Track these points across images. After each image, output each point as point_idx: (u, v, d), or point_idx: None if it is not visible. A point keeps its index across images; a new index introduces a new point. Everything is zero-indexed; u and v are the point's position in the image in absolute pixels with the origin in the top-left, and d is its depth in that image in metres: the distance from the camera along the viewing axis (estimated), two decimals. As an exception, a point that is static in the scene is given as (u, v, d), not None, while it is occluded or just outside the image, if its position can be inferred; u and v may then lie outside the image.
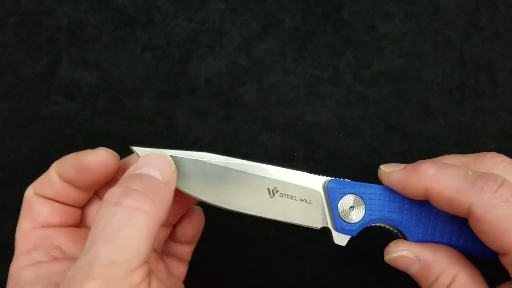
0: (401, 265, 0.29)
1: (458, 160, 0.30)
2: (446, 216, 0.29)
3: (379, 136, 0.39)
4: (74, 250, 0.29)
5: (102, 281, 0.22)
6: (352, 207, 0.29)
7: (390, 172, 0.29)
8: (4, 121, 0.40)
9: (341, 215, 0.29)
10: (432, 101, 0.39)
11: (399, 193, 0.29)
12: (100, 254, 0.23)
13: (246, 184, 0.29)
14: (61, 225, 0.30)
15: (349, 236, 0.30)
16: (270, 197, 0.29)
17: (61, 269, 0.27)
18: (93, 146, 0.41)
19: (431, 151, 0.38)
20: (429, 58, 0.40)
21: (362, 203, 0.29)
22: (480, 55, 0.40)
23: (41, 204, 0.30)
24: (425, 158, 0.30)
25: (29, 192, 0.30)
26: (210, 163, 0.29)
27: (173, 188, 0.27)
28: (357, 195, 0.29)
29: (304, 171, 0.30)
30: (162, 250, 0.33)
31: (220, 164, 0.29)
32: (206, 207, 0.31)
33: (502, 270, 0.27)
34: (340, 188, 0.29)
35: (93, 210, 0.32)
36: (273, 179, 0.29)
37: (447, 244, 0.29)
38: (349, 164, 0.39)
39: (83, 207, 0.32)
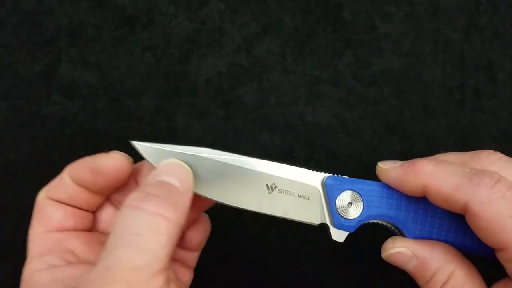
0: (398, 261, 0.29)
1: (455, 158, 0.31)
2: (443, 213, 0.29)
3: (379, 136, 0.39)
4: (88, 254, 0.29)
5: (122, 286, 0.23)
6: (350, 203, 0.30)
7: (388, 169, 0.30)
8: (4, 121, 0.40)
9: (339, 211, 0.30)
10: (432, 101, 0.39)
11: (396, 190, 0.30)
12: (121, 259, 0.23)
13: (245, 179, 0.29)
14: (74, 229, 0.30)
15: (347, 233, 0.30)
16: (269, 193, 0.29)
17: (76, 273, 0.27)
18: (93, 146, 0.41)
19: (431, 151, 0.38)
20: (429, 58, 0.40)
21: (360, 200, 0.30)
22: (480, 55, 0.40)
23: (54, 208, 0.30)
24: (425, 158, 0.30)
25: (42, 195, 0.30)
26: (209, 159, 0.29)
27: (191, 196, 0.27)
28: (355, 191, 0.30)
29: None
30: None
31: (219, 159, 0.29)
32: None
33: (499, 267, 0.27)
34: (338, 184, 0.30)
35: (105, 214, 0.32)
36: (271, 175, 0.29)
37: (444, 241, 0.30)
38: (349, 164, 0.39)
39: (95, 212, 0.32)
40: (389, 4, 0.41)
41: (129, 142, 0.29)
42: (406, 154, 0.39)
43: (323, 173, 0.30)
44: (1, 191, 0.40)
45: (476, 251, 0.30)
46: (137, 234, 0.24)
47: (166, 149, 0.29)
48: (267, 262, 0.39)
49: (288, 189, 0.30)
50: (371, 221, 0.30)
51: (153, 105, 0.40)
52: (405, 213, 0.30)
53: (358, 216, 0.30)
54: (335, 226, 0.30)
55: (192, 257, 0.33)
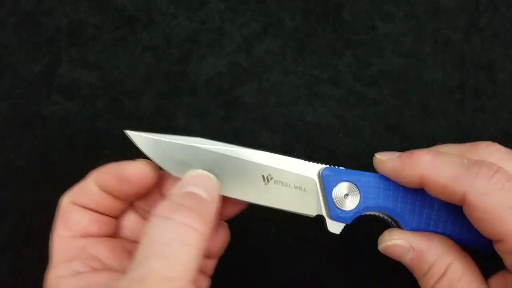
0: (395, 253, 0.29)
1: (453, 149, 0.31)
2: (441, 204, 0.29)
3: (379, 136, 0.39)
4: (112, 261, 0.30)
5: None
6: (346, 194, 0.30)
7: (385, 160, 0.29)
8: (4, 121, 0.40)
9: (335, 202, 0.29)
10: (432, 101, 0.39)
11: (394, 182, 0.30)
12: (152, 269, 0.23)
13: (240, 170, 0.29)
14: (98, 235, 0.31)
15: (344, 224, 0.30)
16: (265, 184, 0.29)
17: (101, 281, 0.27)
18: (93, 146, 0.41)
19: (431, 151, 0.38)
20: (429, 58, 0.40)
21: (357, 191, 0.30)
22: (480, 55, 0.40)
23: (79, 213, 0.30)
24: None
25: (66, 200, 0.30)
26: (205, 149, 0.29)
27: (217, 207, 0.28)
28: (352, 183, 0.30)
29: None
30: None
31: (215, 150, 0.29)
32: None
33: (497, 260, 0.27)
34: (335, 175, 0.30)
35: (127, 221, 0.32)
36: (268, 166, 0.29)
37: (442, 234, 0.30)
38: (349, 164, 0.39)
39: (117, 217, 0.32)
40: (389, 4, 0.41)
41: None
42: (406, 154, 0.39)
43: (319, 164, 0.30)
44: (1, 191, 0.40)
45: (473, 243, 0.29)
46: (166, 245, 0.24)
47: (161, 139, 0.29)
48: (267, 262, 0.39)
49: (284, 180, 0.29)
50: (367, 213, 0.30)
51: (153, 105, 0.40)
52: (402, 205, 0.30)
53: (354, 208, 0.30)
54: (331, 217, 0.30)
55: (210, 265, 0.33)
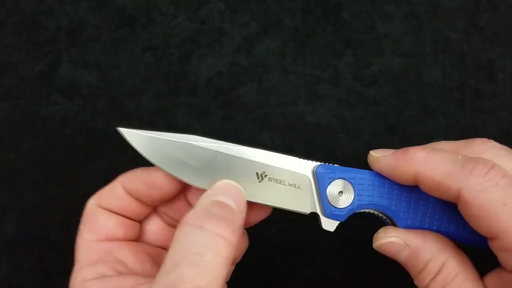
0: (390, 251, 0.29)
1: (448, 146, 0.30)
2: (436, 202, 0.29)
3: (379, 136, 0.39)
4: (136, 265, 0.30)
5: None
6: (341, 192, 0.30)
7: (379, 157, 0.29)
8: (4, 121, 0.40)
9: (329, 200, 0.29)
10: (432, 101, 0.40)
11: (388, 179, 0.30)
12: (183, 277, 0.23)
13: (234, 168, 0.29)
14: (123, 239, 0.31)
15: (338, 222, 0.30)
16: (259, 182, 0.29)
17: (127, 284, 0.27)
18: (93, 146, 0.41)
19: (431, 151, 0.38)
20: (429, 58, 0.40)
21: (351, 188, 0.29)
22: (480, 55, 0.40)
23: (106, 217, 0.30)
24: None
25: (92, 203, 0.31)
26: (199, 146, 0.29)
27: (244, 217, 0.28)
28: (346, 180, 0.30)
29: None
30: None
31: (209, 147, 0.29)
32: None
33: (492, 257, 0.27)
34: (329, 173, 0.30)
35: (151, 225, 0.33)
36: (262, 163, 0.29)
37: (437, 231, 0.30)
38: (349, 164, 0.39)
39: (141, 222, 0.33)
40: (389, 4, 0.41)
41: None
42: (406, 154, 0.39)
43: (314, 162, 0.30)
44: (1, 191, 0.40)
45: (468, 241, 0.30)
46: (200, 254, 0.24)
47: (155, 136, 0.29)
48: (267, 262, 0.39)
49: (279, 178, 0.29)
50: (362, 211, 0.30)
51: (153, 105, 0.40)
52: (396, 202, 0.30)
53: (349, 205, 0.29)
54: (325, 215, 0.30)
55: (228, 271, 0.33)
